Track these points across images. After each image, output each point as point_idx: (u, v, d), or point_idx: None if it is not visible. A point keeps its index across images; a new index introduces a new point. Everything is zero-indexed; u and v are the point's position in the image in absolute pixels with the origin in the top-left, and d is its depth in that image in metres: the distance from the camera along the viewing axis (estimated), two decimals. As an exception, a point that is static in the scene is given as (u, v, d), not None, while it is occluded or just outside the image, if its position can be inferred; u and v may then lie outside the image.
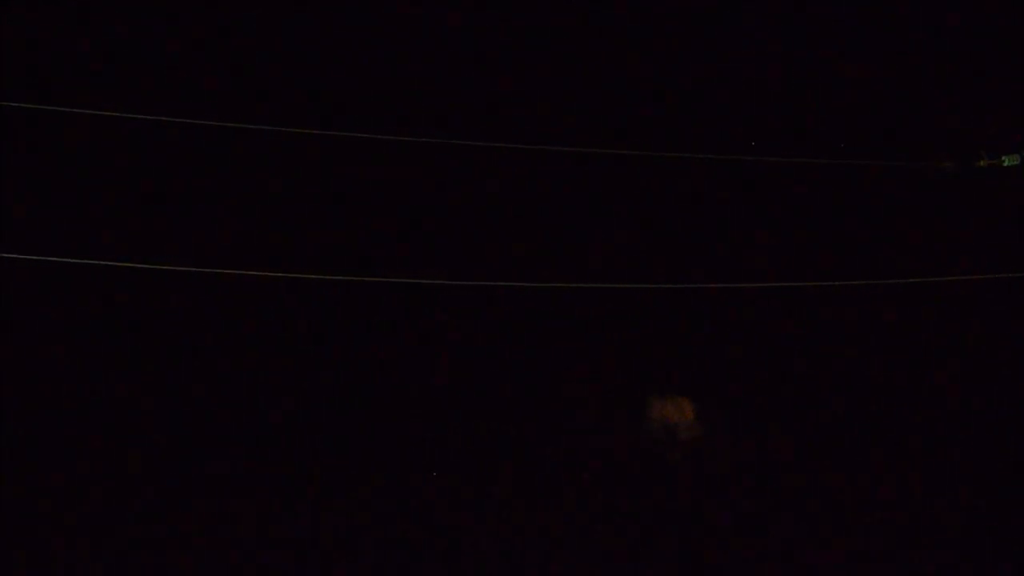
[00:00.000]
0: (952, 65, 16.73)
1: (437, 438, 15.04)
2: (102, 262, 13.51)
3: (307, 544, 14.49)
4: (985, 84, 16.63)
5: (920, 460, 15.84)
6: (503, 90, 15.68)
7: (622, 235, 15.77)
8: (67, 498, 13.95)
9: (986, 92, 16.60)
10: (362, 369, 14.97)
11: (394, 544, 14.70)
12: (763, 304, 15.66)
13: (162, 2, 14.85)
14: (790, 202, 16.17)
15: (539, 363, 15.43)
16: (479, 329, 15.28)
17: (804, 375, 15.86)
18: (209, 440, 14.42)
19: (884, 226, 16.38)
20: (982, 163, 15.81)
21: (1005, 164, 15.77)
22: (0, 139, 13.81)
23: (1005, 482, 15.79)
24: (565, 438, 15.32)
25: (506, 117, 15.48)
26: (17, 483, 13.76)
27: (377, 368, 15.04)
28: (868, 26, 16.73)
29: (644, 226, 15.85)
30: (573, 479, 15.24)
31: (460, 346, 15.24)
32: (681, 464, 15.54)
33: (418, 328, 15.08)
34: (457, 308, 15.03)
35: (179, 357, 14.47)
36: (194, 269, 13.78)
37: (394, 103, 15.29)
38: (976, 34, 16.78)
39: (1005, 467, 15.89)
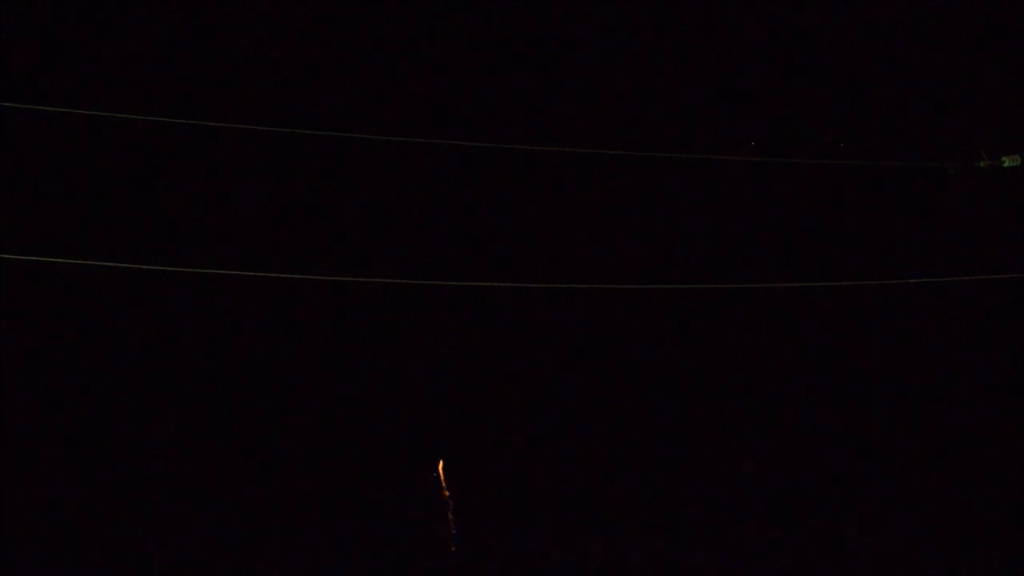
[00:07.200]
0: (953, 65, 16.76)
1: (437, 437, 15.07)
2: (101, 262, 13.56)
3: (306, 542, 14.52)
4: (985, 84, 16.66)
5: (919, 459, 15.86)
6: (503, 90, 15.74)
7: (623, 235, 15.83)
8: (66, 497, 13.99)
9: (986, 92, 16.63)
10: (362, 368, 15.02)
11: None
12: (763, 304, 15.68)
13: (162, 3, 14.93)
14: (790, 202, 16.20)
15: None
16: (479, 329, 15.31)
17: (804, 374, 15.88)
18: (209, 439, 14.47)
19: (885, 226, 16.41)
20: (982, 163, 15.85)
21: (1005, 164, 15.81)
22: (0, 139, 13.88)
23: (1005, 481, 15.81)
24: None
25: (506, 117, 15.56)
26: (17, 482, 13.80)
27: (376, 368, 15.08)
28: (868, 27, 16.76)
29: (645, 226, 15.91)
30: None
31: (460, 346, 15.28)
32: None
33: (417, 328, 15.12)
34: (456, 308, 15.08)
35: (178, 357, 14.52)
36: (193, 270, 13.82)
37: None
38: (977, 35, 16.82)
39: (1006, 466, 15.90)
